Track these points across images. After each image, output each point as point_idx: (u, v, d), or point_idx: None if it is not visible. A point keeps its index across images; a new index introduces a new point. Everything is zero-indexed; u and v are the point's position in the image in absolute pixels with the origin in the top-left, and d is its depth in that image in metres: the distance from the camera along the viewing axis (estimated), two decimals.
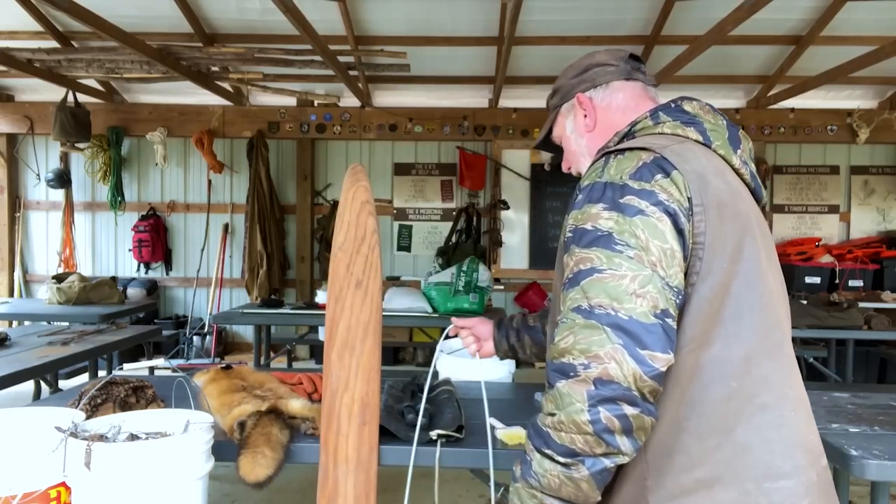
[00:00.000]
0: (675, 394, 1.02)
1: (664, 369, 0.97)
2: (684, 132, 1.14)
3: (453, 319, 1.83)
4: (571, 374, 0.98)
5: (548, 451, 1.01)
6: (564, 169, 1.42)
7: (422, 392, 2.09)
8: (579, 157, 1.34)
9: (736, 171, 1.15)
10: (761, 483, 0.99)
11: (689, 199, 1.03)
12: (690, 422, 1.02)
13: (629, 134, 1.20)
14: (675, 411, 1.02)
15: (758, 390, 1.02)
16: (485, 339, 1.79)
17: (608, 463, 0.98)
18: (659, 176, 1.04)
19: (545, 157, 1.49)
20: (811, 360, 4.72)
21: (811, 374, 4.87)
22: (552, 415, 1.00)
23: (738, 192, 1.11)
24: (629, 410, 0.95)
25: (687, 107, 1.19)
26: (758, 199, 1.19)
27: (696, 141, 1.13)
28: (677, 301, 1.00)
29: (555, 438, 0.99)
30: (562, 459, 0.99)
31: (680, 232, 1.02)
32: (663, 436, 1.02)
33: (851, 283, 5.90)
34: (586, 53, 1.35)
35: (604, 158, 1.12)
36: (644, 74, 1.32)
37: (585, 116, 1.31)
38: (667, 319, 0.98)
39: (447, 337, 1.81)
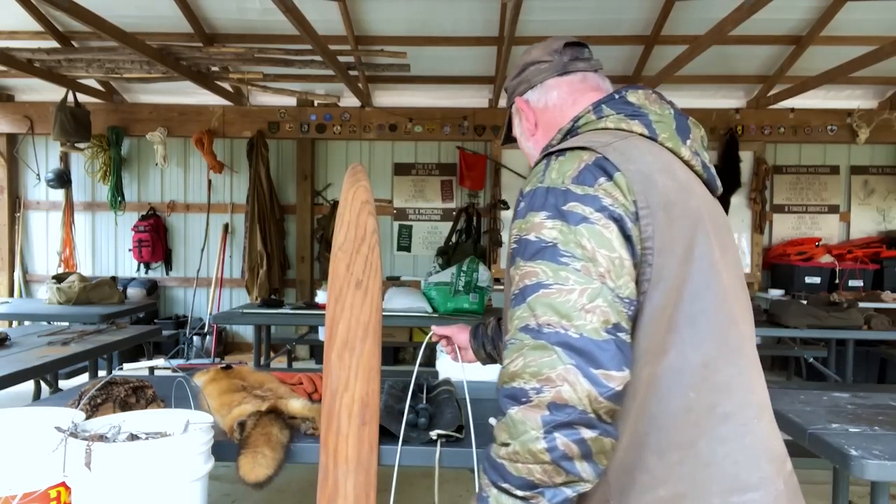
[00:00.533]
0: (633, 408, 0.96)
1: (620, 388, 0.90)
2: (628, 126, 1.08)
3: (433, 328, 1.81)
4: (524, 399, 0.91)
5: (504, 486, 0.94)
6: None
7: (422, 392, 2.09)
8: (532, 159, 1.30)
9: (686, 162, 1.09)
10: (727, 497, 0.95)
11: (635, 202, 0.97)
12: (650, 437, 0.96)
13: (572, 130, 1.14)
14: (634, 427, 0.96)
15: (718, 399, 0.97)
16: (464, 347, 1.76)
17: (569, 492, 0.91)
18: (602, 179, 0.97)
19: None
20: (811, 360, 4.72)
21: (811, 374, 4.88)
22: (506, 445, 0.93)
23: (688, 188, 1.05)
24: (587, 434, 0.89)
25: (631, 97, 1.12)
26: (713, 190, 1.13)
27: (642, 135, 1.07)
28: (629, 312, 0.94)
29: (511, 471, 0.92)
30: (520, 493, 0.92)
31: (627, 238, 0.96)
32: (623, 454, 0.97)
33: (851, 283, 5.90)
34: (525, 49, 1.30)
35: (545, 161, 1.06)
36: (587, 61, 1.25)
37: (527, 121, 1.28)
38: (619, 334, 0.92)
39: (427, 345, 1.82)
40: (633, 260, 0.96)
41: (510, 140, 1.41)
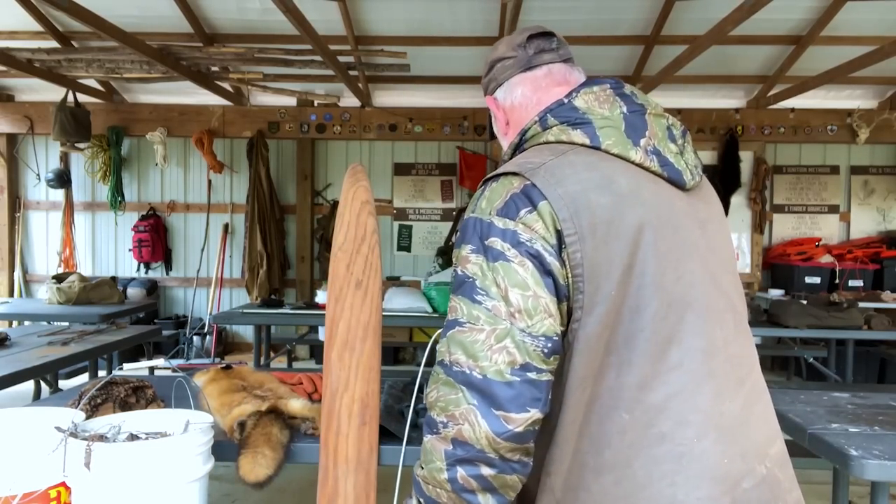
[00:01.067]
0: (573, 431, 0.98)
1: (520, 429, 0.93)
2: (569, 137, 1.04)
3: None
4: (434, 430, 0.98)
5: (421, 500, 1.02)
6: None
7: (422, 392, 2.09)
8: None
9: (639, 165, 1.03)
10: None
11: (559, 232, 0.96)
12: (589, 457, 0.96)
13: (519, 145, 1.14)
14: (575, 448, 0.97)
15: (652, 419, 0.95)
16: None
17: None
18: (524, 211, 0.97)
19: None
20: (811, 360, 4.72)
21: (811, 374, 4.88)
22: (421, 468, 1.01)
23: (632, 198, 0.99)
24: (486, 471, 0.94)
25: (579, 101, 1.07)
26: (680, 186, 1.06)
27: (583, 145, 1.03)
28: (546, 349, 0.94)
29: (424, 490, 1.00)
30: None
31: (547, 273, 0.95)
32: (568, 473, 0.98)
33: (851, 283, 5.90)
34: (493, 45, 1.27)
35: (482, 187, 1.06)
36: (553, 52, 1.19)
37: (498, 120, 1.26)
38: (528, 373, 0.93)
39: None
40: (553, 295, 0.96)
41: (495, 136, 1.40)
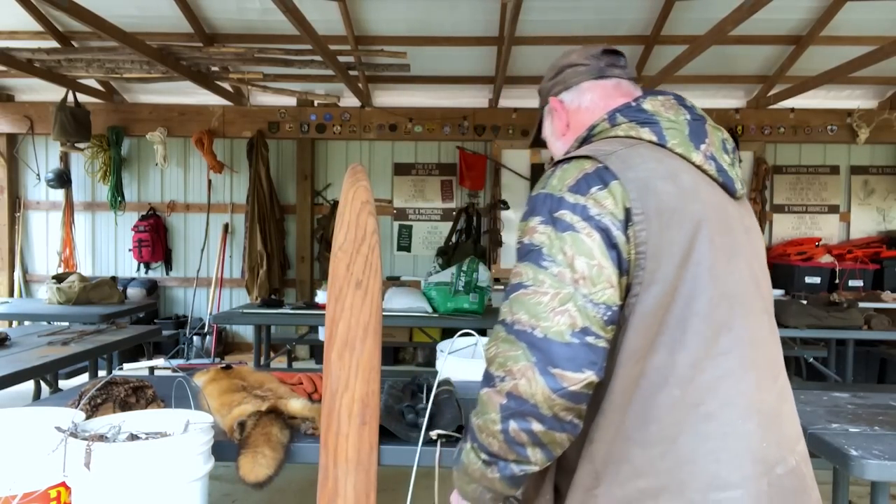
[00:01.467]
0: (621, 403, 1.01)
1: (575, 388, 0.97)
2: (638, 133, 1.12)
3: None
4: (490, 383, 1.03)
5: (474, 445, 1.08)
6: None
7: (422, 392, 2.09)
8: None
9: (698, 167, 1.11)
10: (707, 493, 0.97)
11: (628, 211, 1.01)
12: (635, 431, 1.00)
13: (587, 138, 1.19)
14: (620, 420, 1.01)
15: (702, 398, 0.99)
16: None
17: (517, 470, 1.03)
18: (595, 188, 1.03)
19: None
20: (811, 360, 4.72)
21: (811, 374, 4.88)
22: (476, 417, 1.06)
23: (693, 194, 1.06)
24: (536, 427, 0.98)
25: (647, 105, 1.15)
26: (731, 193, 1.14)
27: (651, 141, 1.10)
28: (605, 317, 0.99)
29: (478, 436, 1.06)
30: (482, 456, 1.06)
31: (613, 246, 1.00)
32: (610, 445, 1.02)
33: (851, 283, 5.90)
34: (563, 52, 1.34)
35: (553, 168, 1.12)
36: (622, 68, 1.28)
37: (559, 120, 1.31)
38: (587, 338, 0.98)
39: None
40: (619, 266, 1.01)
41: (538, 143, 1.45)
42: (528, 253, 1.04)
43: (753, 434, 1.01)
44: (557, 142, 1.33)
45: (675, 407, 0.99)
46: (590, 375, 0.98)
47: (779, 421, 1.05)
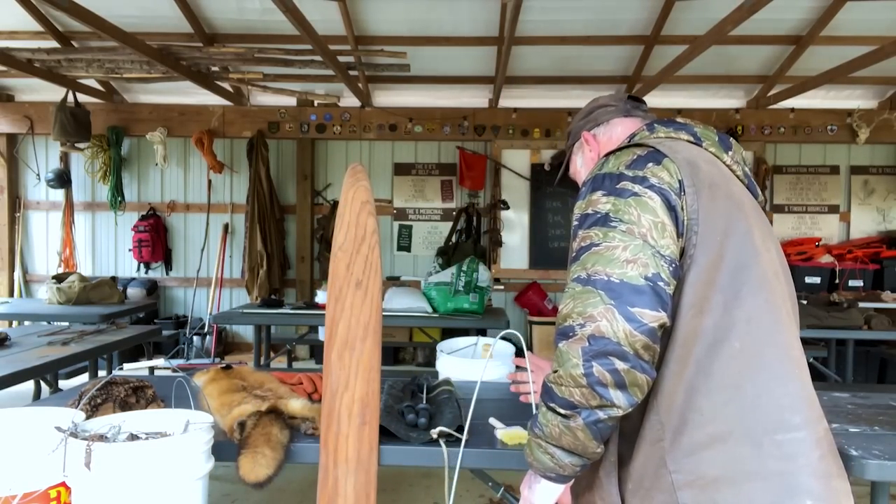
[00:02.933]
0: (683, 356, 1.09)
1: (654, 325, 1.05)
2: (677, 134, 1.27)
3: (517, 361, 1.82)
4: (570, 334, 1.08)
5: (551, 404, 1.12)
6: None
7: (422, 392, 2.09)
8: None
9: (728, 167, 1.26)
10: (773, 435, 1.05)
11: (681, 182, 1.13)
12: (699, 381, 1.07)
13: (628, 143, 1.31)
14: (683, 372, 1.09)
15: (761, 349, 1.08)
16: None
17: (602, 415, 1.07)
18: (651, 164, 1.16)
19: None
20: (811, 360, 4.72)
21: (811, 374, 4.87)
22: (555, 371, 1.11)
23: (731, 179, 1.22)
24: (620, 365, 1.04)
25: (679, 119, 1.32)
26: (754, 196, 1.27)
27: (688, 141, 1.26)
28: (670, 269, 1.09)
29: (557, 392, 1.10)
30: (562, 411, 1.10)
31: (671, 209, 1.12)
32: (675, 396, 1.09)
33: (851, 283, 5.90)
34: (592, 98, 1.53)
35: (604, 158, 1.25)
36: (644, 112, 1.46)
37: (591, 151, 1.46)
38: (658, 283, 1.07)
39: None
40: (676, 227, 1.12)
41: (563, 179, 1.61)
42: (596, 220, 1.14)
43: (807, 383, 1.11)
44: (588, 171, 1.41)
45: (735, 357, 1.07)
46: (663, 315, 1.06)
47: (811, 385, 1.14)
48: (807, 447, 1.05)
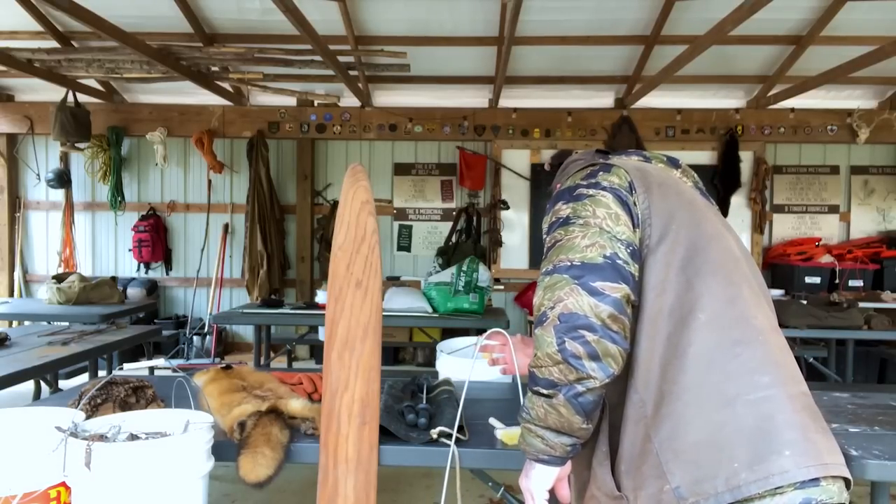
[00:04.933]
0: (652, 333, 1.16)
1: (617, 296, 1.13)
2: (627, 157, 1.39)
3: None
4: (544, 319, 1.16)
5: (535, 388, 1.18)
6: None
7: (422, 392, 2.09)
8: None
9: (679, 177, 1.39)
10: (745, 396, 1.10)
11: (630, 183, 1.24)
12: (670, 353, 1.14)
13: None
14: (655, 348, 1.16)
15: (724, 320, 1.14)
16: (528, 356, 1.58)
17: (580, 388, 1.13)
18: (601, 173, 1.28)
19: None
20: (811, 360, 4.72)
21: (811, 374, 4.87)
22: (535, 356, 1.17)
23: (680, 182, 1.35)
24: (590, 336, 1.11)
25: (632, 151, 1.44)
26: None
27: (638, 159, 1.38)
28: (628, 250, 1.18)
29: (538, 375, 1.17)
30: (544, 391, 1.17)
31: (624, 203, 1.22)
32: (651, 372, 1.15)
33: (851, 283, 5.90)
34: (561, 151, 1.62)
35: (568, 178, 1.38)
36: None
37: None
38: (616, 261, 1.15)
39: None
40: (631, 219, 1.21)
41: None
42: (557, 224, 1.25)
43: (774, 350, 1.15)
44: None
45: (701, 329, 1.13)
46: (625, 287, 1.14)
47: (790, 355, 1.19)
48: (779, 403, 1.09)
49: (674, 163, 1.43)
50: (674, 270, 1.17)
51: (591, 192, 1.24)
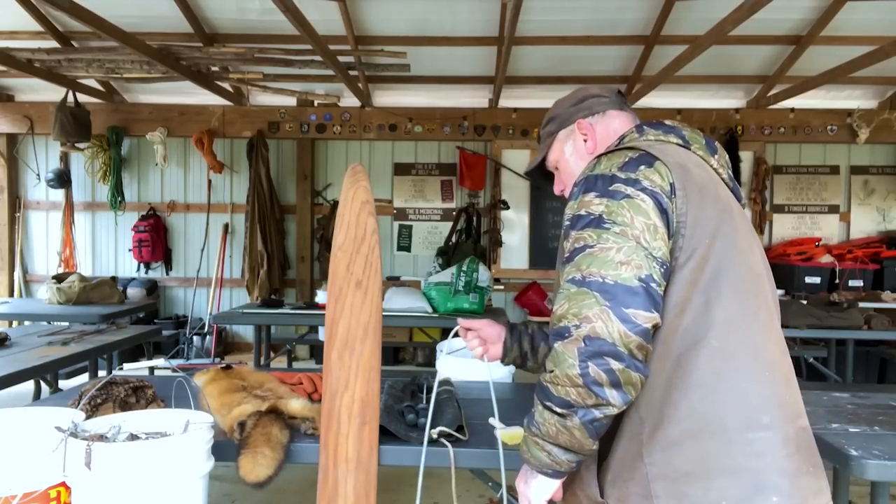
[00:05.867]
0: (663, 353, 1.13)
1: (648, 326, 1.08)
2: (666, 138, 1.29)
3: (459, 321, 1.76)
4: (566, 335, 1.10)
5: (548, 403, 1.14)
6: (557, 192, 1.52)
7: (422, 392, 2.09)
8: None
9: (714, 170, 1.29)
10: (743, 433, 1.09)
11: (672, 185, 1.16)
12: (677, 378, 1.11)
13: (617, 147, 1.31)
14: (663, 369, 1.13)
15: (736, 350, 1.12)
16: (492, 342, 1.73)
17: (598, 413, 1.10)
18: (643, 167, 1.17)
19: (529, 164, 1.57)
20: (811, 360, 4.72)
21: (811, 374, 4.88)
22: (551, 371, 1.12)
23: (718, 182, 1.26)
24: (615, 365, 1.06)
25: (668, 122, 1.34)
26: (738, 199, 1.30)
27: (677, 144, 1.29)
28: (662, 270, 1.12)
29: (553, 392, 1.12)
30: (558, 410, 1.12)
31: (663, 211, 1.14)
32: (655, 392, 1.13)
33: (851, 283, 5.90)
34: (579, 87, 1.49)
35: (595, 159, 1.26)
36: (630, 109, 1.46)
37: (586, 140, 1.42)
38: (651, 284, 1.10)
39: (454, 336, 1.72)
40: (667, 230, 1.14)
41: (541, 171, 1.54)
42: (589, 222, 1.15)
43: (780, 385, 1.14)
44: (581, 161, 1.42)
45: (712, 357, 1.11)
46: (656, 316, 1.09)
47: (793, 385, 1.18)
48: (775, 445, 1.09)
49: (711, 148, 1.33)
50: (696, 290, 1.13)
51: (629, 190, 1.15)
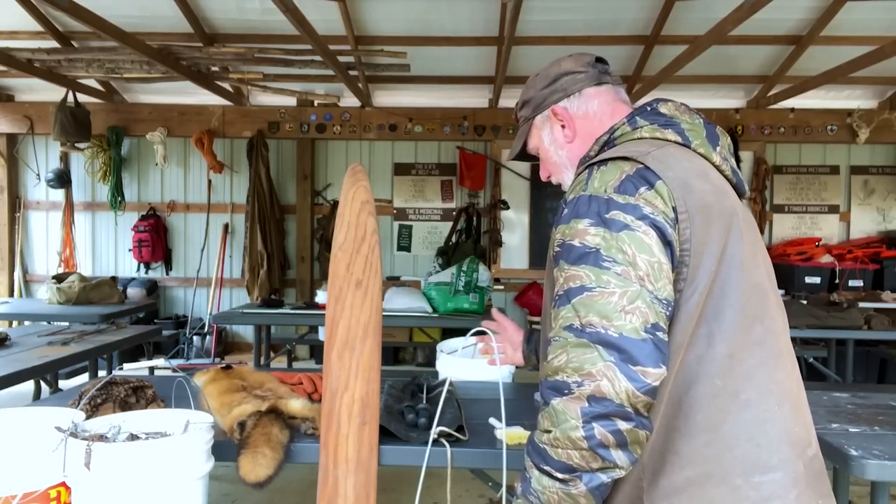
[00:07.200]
0: (664, 396, 1.03)
1: (657, 384, 0.98)
2: (663, 135, 1.16)
3: (484, 324, 1.71)
4: (566, 391, 0.99)
5: (546, 468, 1.03)
6: (543, 177, 1.42)
7: (422, 392, 2.09)
8: (562, 168, 1.34)
9: (717, 167, 1.17)
10: (750, 477, 1.01)
11: (675, 209, 1.04)
12: (679, 421, 1.03)
13: (609, 142, 1.20)
14: (665, 412, 1.04)
15: (741, 387, 1.03)
16: (514, 347, 1.70)
17: (605, 478, 1.00)
18: (643, 188, 1.05)
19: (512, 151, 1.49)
20: (811, 360, 4.72)
21: (811, 374, 4.88)
22: (548, 432, 1.01)
23: (723, 191, 1.12)
24: (623, 426, 0.97)
25: (663, 108, 1.20)
26: (741, 194, 1.20)
27: (676, 142, 1.15)
28: (667, 313, 1.02)
29: (552, 455, 1.01)
30: (560, 475, 1.01)
31: (668, 244, 1.03)
32: (656, 437, 1.04)
33: (851, 283, 5.90)
34: (552, 62, 1.34)
35: (587, 171, 1.13)
36: (611, 76, 1.32)
37: (563, 127, 1.31)
38: (657, 333, 0.99)
39: (475, 334, 1.71)
40: (672, 264, 1.03)
41: (524, 156, 1.44)
42: (584, 255, 1.03)
43: (788, 419, 1.06)
44: (561, 150, 1.32)
45: (716, 396, 1.02)
46: (664, 371, 0.99)
47: (802, 406, 1.11)
48: (784, 488, 1.02)
49: (712, 138, 1.19)
50: (700, 324, 1.03)
51: (628, 219, 1.02)
